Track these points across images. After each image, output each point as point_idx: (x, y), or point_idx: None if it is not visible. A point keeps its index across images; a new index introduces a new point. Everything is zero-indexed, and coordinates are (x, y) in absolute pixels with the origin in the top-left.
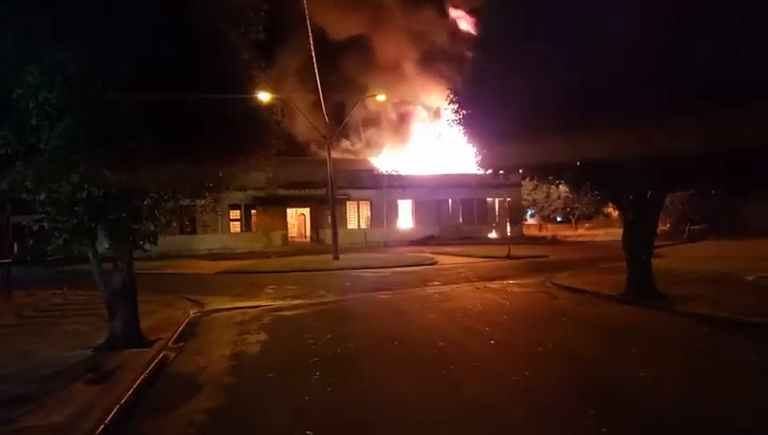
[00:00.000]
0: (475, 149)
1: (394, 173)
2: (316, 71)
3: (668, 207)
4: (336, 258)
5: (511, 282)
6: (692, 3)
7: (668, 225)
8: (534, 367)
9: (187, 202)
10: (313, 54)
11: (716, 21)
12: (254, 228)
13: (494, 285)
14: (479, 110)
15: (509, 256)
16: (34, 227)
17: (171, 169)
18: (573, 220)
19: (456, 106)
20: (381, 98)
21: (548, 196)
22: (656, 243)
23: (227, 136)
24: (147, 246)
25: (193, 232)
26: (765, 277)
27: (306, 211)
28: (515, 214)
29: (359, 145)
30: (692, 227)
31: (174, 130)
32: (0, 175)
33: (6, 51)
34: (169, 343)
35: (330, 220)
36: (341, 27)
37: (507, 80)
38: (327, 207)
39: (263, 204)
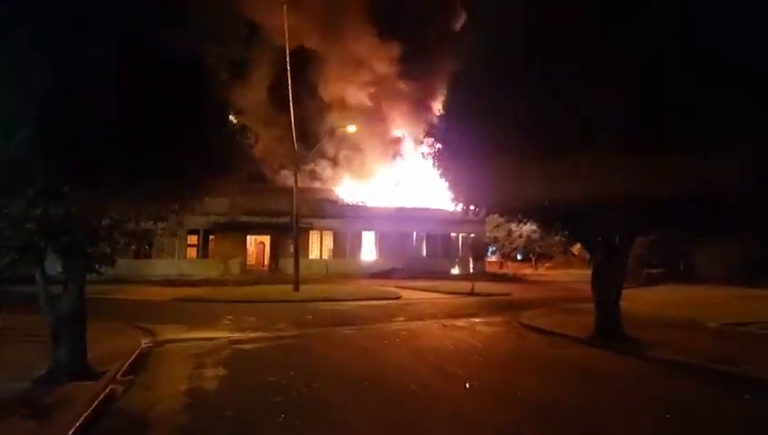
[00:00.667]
0: (447, 184)
1: (359, 204)
2: (291, 106)
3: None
4: (297, 289)
5: (477, 320)
6: (663, 47)
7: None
8: (515, 414)
9: (148, 224)
10: (290, 91)
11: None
12: (211, 255)
13: (461, 323)
14: (454, 146)
15: (473, 293)
16: None
17: (137, 189)
18: (533, 259)
19: (431, 140)
20: (352, 129)
21: (509, 234)
22: None
23: (199, 157)
24: (102, 269)
25: (148, 256)
26: (728, 324)
27: (266, 239)
28: (478, 250)
29: (327, 171)
30: (649, 271)
31: (143, 147)
32: None
33: None
34: (118, 376)
35: (291, 249)
36: (307, 38)
37: (481, 118)
38: (288, 236)
39: (222, 230)
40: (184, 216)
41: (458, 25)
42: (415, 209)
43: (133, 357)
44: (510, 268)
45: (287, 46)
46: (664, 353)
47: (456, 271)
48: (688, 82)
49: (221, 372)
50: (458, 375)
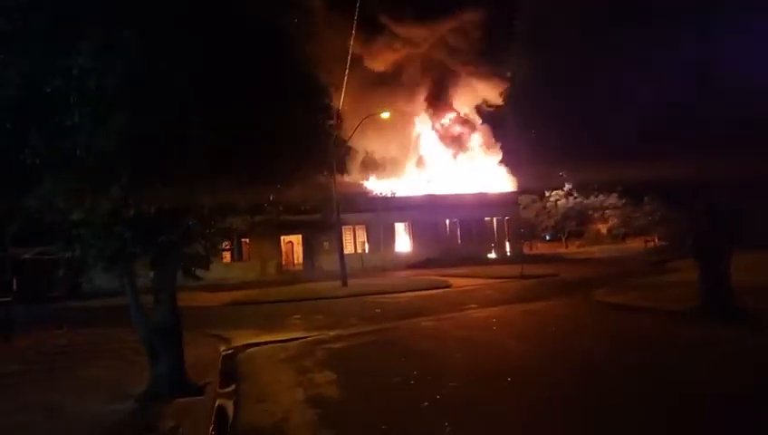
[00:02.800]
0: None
1: (389, 195)
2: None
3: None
4: (345, 284)
5: (551, 303)
6: None
7: (657, 239)
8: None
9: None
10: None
11: None
12: (246, 257)
13: (537, 306)
14: (534, 110)
15: (523, 276)
16: (67, 255)
17: (233, 179)
18: (564, 238)
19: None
20: (386, 115)
21: (537, 214)
22: (660, 257)
23: (289, 138)
24: (199, 272)
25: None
26: None
27: (294, 238)
28: (517, 232)
29: (355, 164)
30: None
31: (239, 130)
32: (22, 192)
33: (44, 29)
34: (217, 389)
35: (325, 246)
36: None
37: (568, 78)
38: (321, 233)
39: (258, 231)
40: (279, 210)
41: None
42: (446, 196)
43: (220, 366)
44: (539, 249)
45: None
46: None
47: (492, 256)
48: None
49: (331, 376)
50: (597, 363)
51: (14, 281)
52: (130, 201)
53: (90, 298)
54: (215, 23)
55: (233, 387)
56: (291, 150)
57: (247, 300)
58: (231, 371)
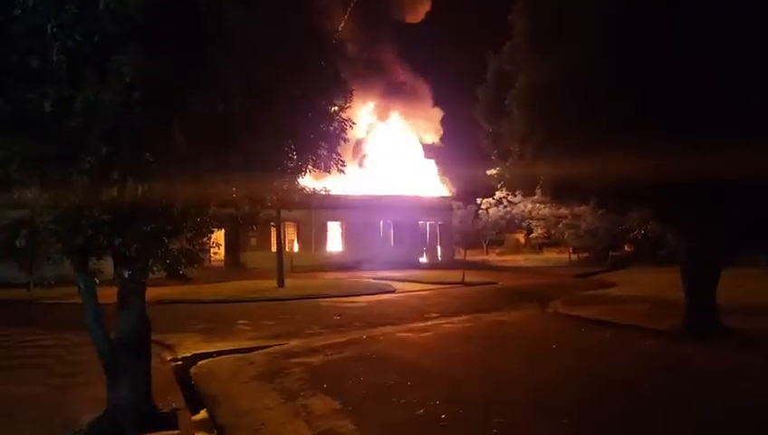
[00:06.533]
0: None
1: (323, 192)
2: None
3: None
4: (282, 285)
5: (513, 313)
6: None
7: (571, 251)
8: None
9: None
10: None
11: None
12: None
13: (502, 317)
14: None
15: (464, 283)
16: (19, 243)
17: (245, 155)
18: (485, 246)
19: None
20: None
21: (462, 221)
22: (583, 271)
23: (313, 121)
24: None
25: None
26: None
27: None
28: (451, 238)
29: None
30: (613, 254)
31: (266, 95)
32: None
33: None
34: (190, 418)
35: (252, 242)
36: None
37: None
38: (247, 229)
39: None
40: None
41: None
42: (382, 197)
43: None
44: (462, 255)
45: None
46: None
47: (423, 260)
48: None
49: (331, 403)
50: (645, 392)
51: None
52: (114, 175)
53: None
54: None
55: (206, 414)
56: (310, 132)
57: (173, 298)
58: (190, 388)
